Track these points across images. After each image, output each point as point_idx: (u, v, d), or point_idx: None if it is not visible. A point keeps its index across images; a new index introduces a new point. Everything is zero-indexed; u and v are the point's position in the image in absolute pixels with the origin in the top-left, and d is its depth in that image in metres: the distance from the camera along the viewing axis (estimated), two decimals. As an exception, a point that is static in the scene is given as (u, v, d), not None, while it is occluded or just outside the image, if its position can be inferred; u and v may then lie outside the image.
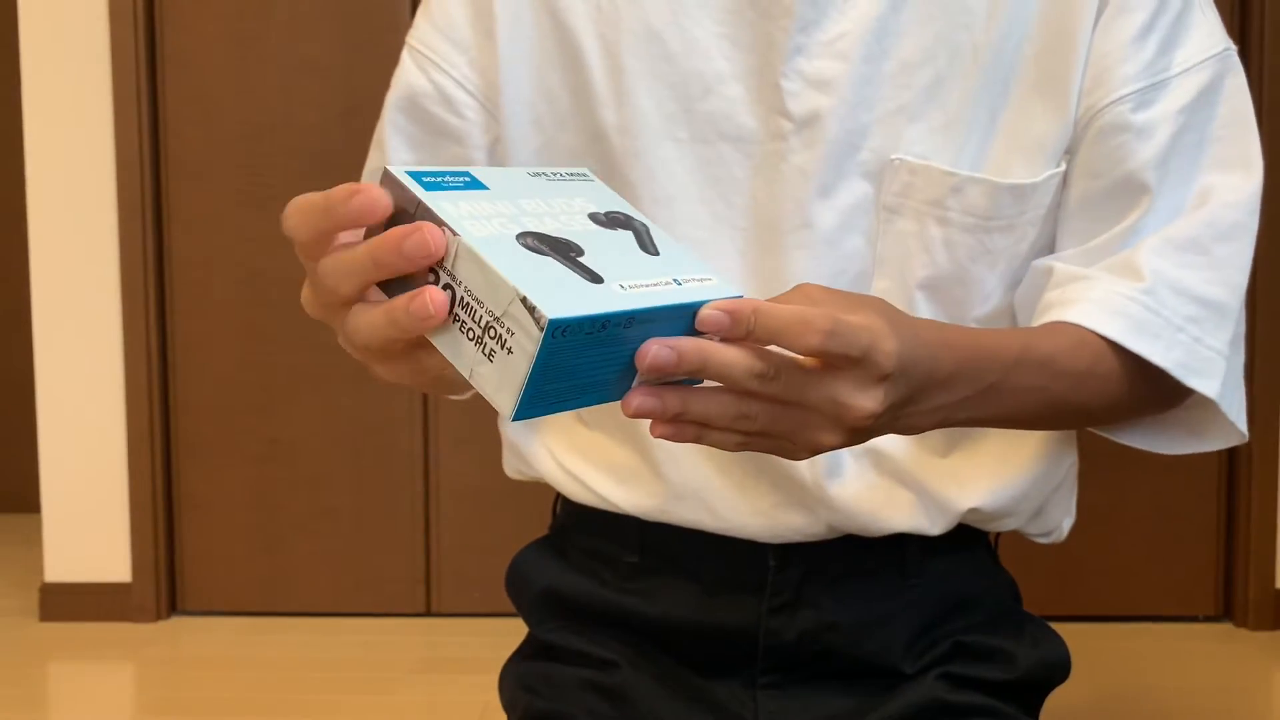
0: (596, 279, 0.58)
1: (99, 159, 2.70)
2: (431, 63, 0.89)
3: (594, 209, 0.64)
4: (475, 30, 0.88)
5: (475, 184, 0.62)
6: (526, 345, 0.55)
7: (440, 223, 0.57)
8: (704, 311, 0.60)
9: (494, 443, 2.81)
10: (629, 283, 0.59)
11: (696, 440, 0.62)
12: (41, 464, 2.74)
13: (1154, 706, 2.30)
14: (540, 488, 0.99)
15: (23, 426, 3.09)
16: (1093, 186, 0.84)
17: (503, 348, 0.55)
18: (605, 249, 0.61)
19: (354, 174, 2.69)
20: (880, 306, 0.65)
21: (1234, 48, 0.86)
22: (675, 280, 0.60)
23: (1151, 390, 0.84)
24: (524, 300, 0.54)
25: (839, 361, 0.62)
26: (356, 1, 2.69)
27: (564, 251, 0.59)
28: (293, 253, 2.98)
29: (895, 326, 0.64)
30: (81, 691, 2.46)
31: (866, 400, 0.63)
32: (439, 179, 0.60)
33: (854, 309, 0.63)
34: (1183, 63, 0.83)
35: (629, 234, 0.63)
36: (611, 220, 0.64)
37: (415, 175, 0.60)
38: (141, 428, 2.74)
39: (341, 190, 0.57)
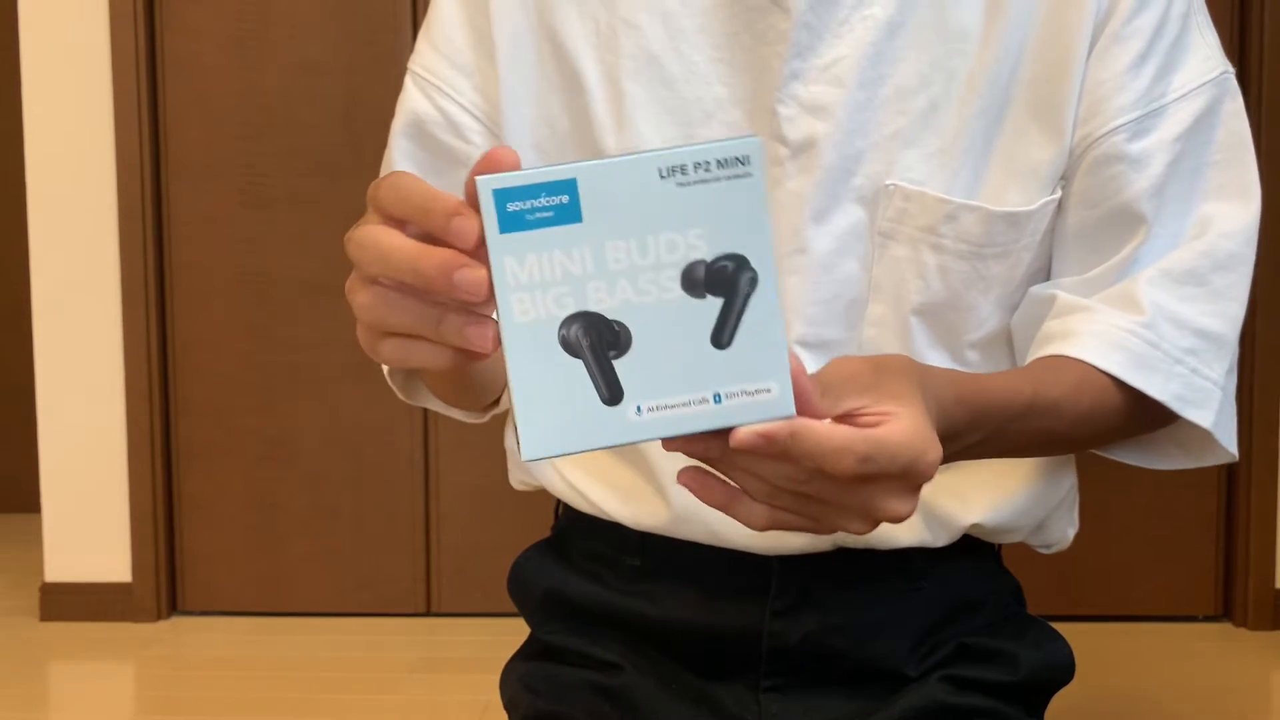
0: (615, 397, 0.55)
1: (99, 159, 2.70)
2: (436, 88, 0.89)
3: (700, 255, 0.55)
4: (477, 54, 0.88)
5: (570, 214, 0.54)
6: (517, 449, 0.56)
7: (491, 291, 0.54)
8: (740, 435, 0.56)
9: (494, 443, 2.81)
10: (652, 403, 0.55)
11: (723, 507, 0.61)
12: (41, 464, 2.74)
13: (1154, 706, 2.30)
14: (541, 489, 0.99)
15: (23, 426, 3.09)
16: (1089, 216, 0.84)
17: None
18: (662, 338, 0.55)
19: (354, 174, 2.69)
20: (914, 382, 0.65)
21: (1232, 70, 0.86)
22: (717, 396, 0.56)
23: (1148, 418, 0.85)
24: (515, 424, 0.54)
25: (878, 476, 0.61)
26: (356, 1, 2.69)
27: (603, 350, 0.55)
28: (292, 253, 2.94)
29: (929, 414, 0.64)
30: (81, 691, 2.46)
31: (902, 506, 0.62)
32: (528, 204, 0.54)
33: (885, 384, 0.63)
34: (1179, 88, 0.83)
35: (717, 305, 0.55)
36: (712, 277, 0.55)
37: (503, 194, 0.54)
38: (141, 427, 2.74)
39: (447, 204, 0.54)
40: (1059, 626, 0.96)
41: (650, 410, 0.55)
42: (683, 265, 0.55)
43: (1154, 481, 2.68)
